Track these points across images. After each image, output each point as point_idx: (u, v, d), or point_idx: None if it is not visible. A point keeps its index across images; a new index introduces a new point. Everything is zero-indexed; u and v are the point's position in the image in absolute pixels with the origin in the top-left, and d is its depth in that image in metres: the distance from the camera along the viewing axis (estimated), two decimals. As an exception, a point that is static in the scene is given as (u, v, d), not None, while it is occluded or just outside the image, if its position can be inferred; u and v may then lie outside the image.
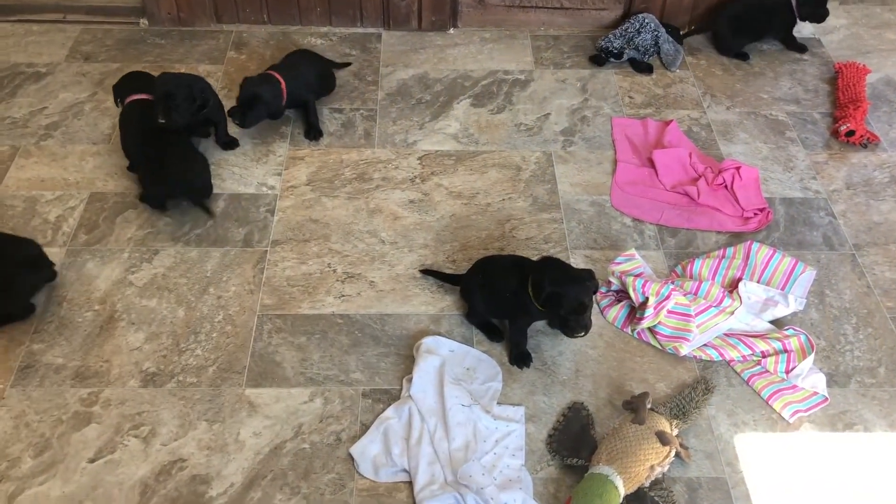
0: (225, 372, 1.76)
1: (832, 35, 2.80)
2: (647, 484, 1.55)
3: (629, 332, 1.87)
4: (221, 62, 2.61)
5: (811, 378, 1.76)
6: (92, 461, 1.61)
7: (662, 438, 1.54)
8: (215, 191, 2.15)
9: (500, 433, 1.66)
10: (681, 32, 2.71)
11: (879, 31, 2.84)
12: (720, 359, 1.82)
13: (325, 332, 1.85)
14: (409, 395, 1.70)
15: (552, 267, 1.71)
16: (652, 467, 1.54)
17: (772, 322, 1.89)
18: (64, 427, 1.66)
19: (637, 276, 1.90)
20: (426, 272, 1.96)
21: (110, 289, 1.92)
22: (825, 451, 1.68)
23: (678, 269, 1.99)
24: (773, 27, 2.69)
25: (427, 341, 1.79)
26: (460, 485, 1.55)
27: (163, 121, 2.06)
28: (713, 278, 1.95)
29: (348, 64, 2.59)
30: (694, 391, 1.72)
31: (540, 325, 1.85)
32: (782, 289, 1.94)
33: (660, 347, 1.83)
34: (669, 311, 1.82)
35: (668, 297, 1.82)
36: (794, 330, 1.84)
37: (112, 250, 2.01)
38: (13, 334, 1.81)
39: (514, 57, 2.69)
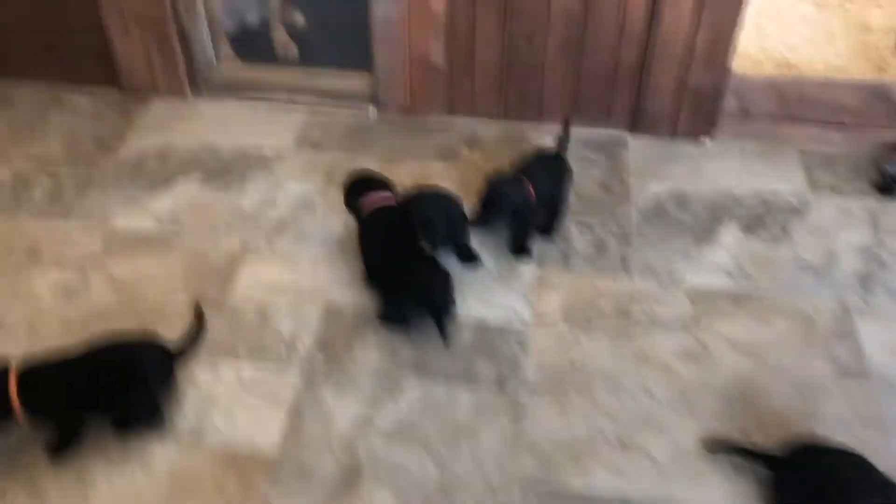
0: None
1: None
2: None
3: None
4: (454, 159, 2.40)
5: None
6: None
7: None
8: (458, 314, 1.91)
9: None
10: None
11: None
12: None
13: (602, 517, 1.55)
14: None
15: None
16: None
17: None
18: None
19: None
20: (722, 446, 1.63)
21: (351, 430, 1.69)
22: None
23: None
24: None
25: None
26: None
27: (424, 244, 1.85)
28: None
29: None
30: None
31: None
32: None
33: None
34: None
35: None
36: None
37: (351, 380, 1.79)
38: (248, 472, 1.60)
39: (782, 176, 2.35)
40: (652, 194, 2.29)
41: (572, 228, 2.17)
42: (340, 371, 1.80)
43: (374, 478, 1.61)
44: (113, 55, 2.52)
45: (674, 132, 2.47)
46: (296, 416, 1.71)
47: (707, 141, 2.48)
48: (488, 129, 2.51)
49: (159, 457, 1.63)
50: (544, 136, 2.48)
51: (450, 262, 2.01)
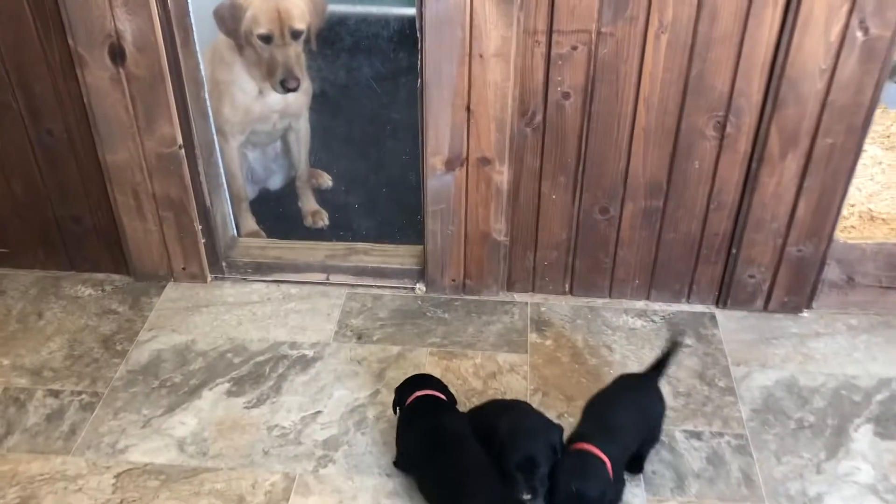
0: None
1: None
2: None
3: None
4: (524, 349, 2.06)
5: None
6: None
7: None
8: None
9: None
10: None
11: None
12: None
13: None
14: None
15: None
16: None
17: None
18: None
19: None
20: None
21: None
22: None
23: None
24: None
25: None
26: None
27: (527, 497, 1.48)
28: None
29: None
30: None
31: None
32: None
33: None
34: None
35: None
36: None
37: None
38: None
39: (903, 357, 2.03)
40: (760, 387, 1.96)
41: (679, 437, 1.82)
42: None
43: None
44: (122, 238, 2.19)
45: (767, 305, 2.16)
46: None
47: (806, 314, 2.17)
48: (554, 308, 2.19)
49: None
50: (620, 316, 2.16)
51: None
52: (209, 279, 2.28)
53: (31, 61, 1.92)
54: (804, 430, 1.84)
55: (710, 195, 2.00)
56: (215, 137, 2.17)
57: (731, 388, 1.95)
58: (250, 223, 2.42)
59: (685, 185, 1.99)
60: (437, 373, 1.91)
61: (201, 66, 2.03)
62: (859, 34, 1.71)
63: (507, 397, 1.89)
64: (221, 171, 2.22)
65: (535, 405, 1.81)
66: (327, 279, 2.27)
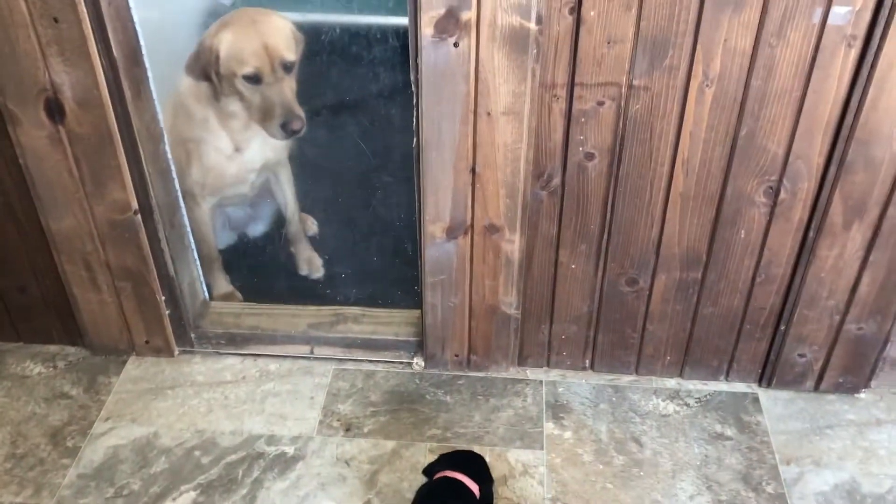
0: None
1: None
2: None
3: None
4: (539, 444, 1.78)
5: None
6: None
7: None
8: None
9: None
10: None
11: None
12: None
13: None
14: None
15: None
16: None
17: None
18: None
19: None
20: None
21: None
22: None
23: None
24: None
25: None
26: None
27: None
28: None
29: None
30: None
31: None
32: None
33: None
34: None
35: None
36: None
37: None
38: None
39: (979, 450, 1.75)
40: (816, 493, 1.67)
41: (724, 565, 1.54)
42: None
43: None
44: (75, 310, 1.90)
45: (819, 386, 1.88)
46: None
47: (863, 394, 1.88)
48: (573, 388, 1.91)
49: None
50: (649, 398, 1.87)
51: None
52: (176, 352, 1.99)
53: (-44, 117, 1.62)
54: (869, 553, 1.56)
55: (757, 267, 1.71)
56: (181, 201, 1.86)
57: (783, 496, 1.67)
58: (223, 284, 2.12)
59: (728, 255, 1.70)
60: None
61: (159, 119, 1.72)
62: (948, 91, 1.41)
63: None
64: (188, 231, 1.93)
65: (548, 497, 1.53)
66: (311, 352, 1.98)
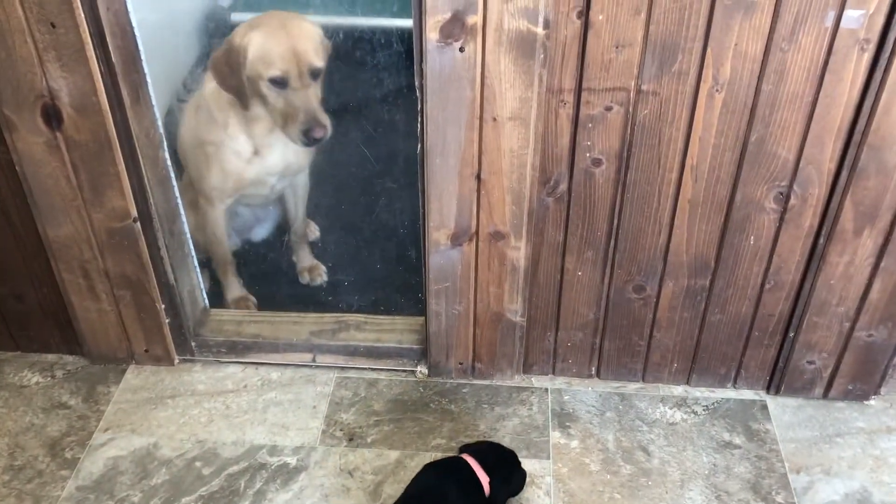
0: None
1: None
2: None
3: None
4: (545, 453, 1.75)
5: None
6: None
7: None
8: None
9: None
10: None
11: None
12: None
13: None
14: None
15: None
16: None
17: None
18: None
19: None
20: None
21: None
22: None
23: None
24: None
25: None
26: None
27: None
28: None
29: None
30: None
31: None
32: None
33: None
34: None
35: None
36: None
37: None
38: None
39: None
40: (827, 502, 1.65)
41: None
42: None
43: None
44: (73, 318, 1.87)
45: (828, 393, 1.86)
46: None
47: (873, 401, 1.86)
48: (579, 396, 1.88)
49: None
50: (656, 406, 1.85)
51: None
52: (176, 361, 1.96)
53: (-49, 123, 1.59)
54: (884, 564, 1.54)
55: (766, 274, 1.68)
56: (181, 208, 1.84)
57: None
58: (237, 289, 2.09)
59: (737, 262, 1.67)
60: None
61: (159, 125, 1.69)
62: (962, 96, 1.38)
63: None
64: (188, 238, 1.90)
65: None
66: (313, 360, 1.96)
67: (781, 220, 1.60)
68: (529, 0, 1.34)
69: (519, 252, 1.68)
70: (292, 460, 1.73)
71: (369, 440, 1.78)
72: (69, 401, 1.88)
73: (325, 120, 1.79)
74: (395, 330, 1.97)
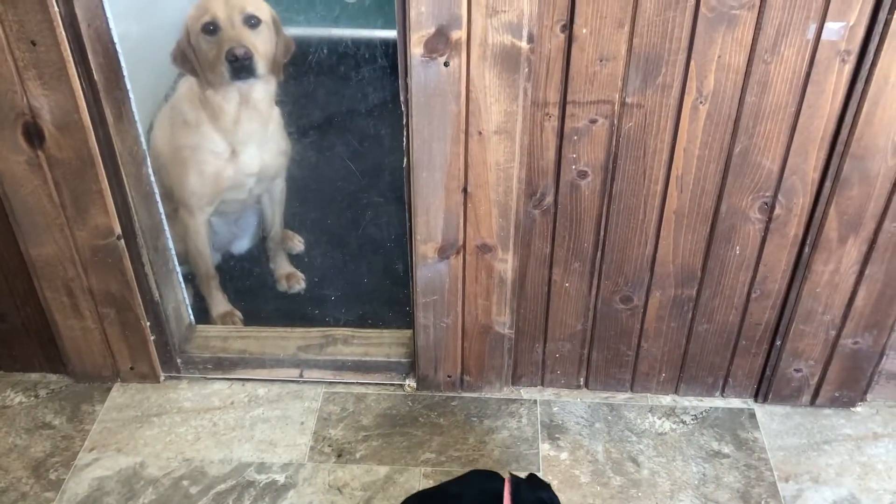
0: None
1: None
2: None
3: None
4: (536, 466, 1.75)
5: None
6: None
7: None
8: None
9: None
10: None
11: None
12: None
13: None
14: None
15: None
16: None
17: None
18: None
19: None
20: None
21: None
22: None
23: None
24: None
25: None
26: None
27: None
28: None
29: None
30: None
31: None
32: None
33: None
34: None
35: None
36: None
37: None
38: None
39: (976, 463, 1.74)
40: (818, 510, 1.65)
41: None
42: None
43: None
44: (57, 337, 1.85)
45: (815, 400, 1.87)
46: None
47: (860, 408, 1.87)
48: (568, 407, 1.88)
49: None
50: (645, 416, 1.85)
51: None
52: (162, 378, 1.94)
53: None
54: (873, 571, 1.54)
55: (752, 283, 1.69)
56: (165, 224, 1.82)
57: (782, 514, 1.65)
58: (222, 304, 2.08)
59: (723, 272, 1.68)
60: None
61: (142, 141, 1.68)
62: (943, 105, 1.40)
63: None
64: (172, 255, 1.88)
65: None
66: (301, 376, 1.94)
67: (767, 229, 1.61)
68: (513, 15, 1.34)
69: (506, 264, 1.68)
70: (281, 477, 1.72)
71: (358, 455, 1.77)
72: (53, 420, 1.85)
73: (250, 45, 1.74)
74: (382, 344, 1.96)
